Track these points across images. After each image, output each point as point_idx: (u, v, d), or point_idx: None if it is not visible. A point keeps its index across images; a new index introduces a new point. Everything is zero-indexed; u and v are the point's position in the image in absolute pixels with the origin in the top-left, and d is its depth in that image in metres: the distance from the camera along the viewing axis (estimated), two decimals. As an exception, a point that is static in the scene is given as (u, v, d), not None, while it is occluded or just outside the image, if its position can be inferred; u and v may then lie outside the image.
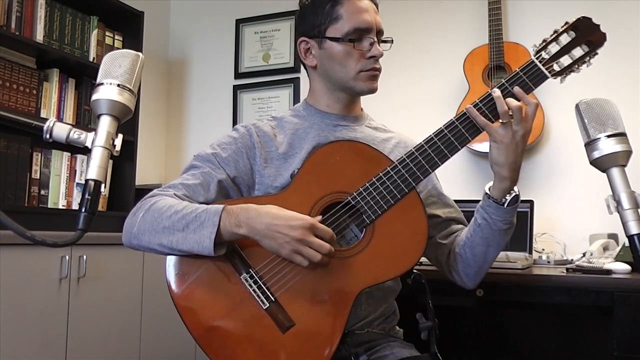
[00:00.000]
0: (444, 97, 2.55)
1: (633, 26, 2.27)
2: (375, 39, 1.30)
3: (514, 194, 1.21)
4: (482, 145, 2.33)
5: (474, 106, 1.17)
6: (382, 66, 1.32)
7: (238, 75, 3.08)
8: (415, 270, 1.26)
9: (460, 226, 1.37)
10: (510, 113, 1.13)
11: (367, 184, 1.17)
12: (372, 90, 1.33)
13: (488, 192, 1.23)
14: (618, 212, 0.99)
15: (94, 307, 2.16)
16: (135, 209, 1.20)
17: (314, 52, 1.34)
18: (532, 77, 1.17)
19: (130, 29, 2.77)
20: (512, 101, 1.14)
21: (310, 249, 1.08)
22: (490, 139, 1.17)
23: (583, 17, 1.19)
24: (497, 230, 1.22)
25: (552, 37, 1.19)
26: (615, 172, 1.02)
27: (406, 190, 1.16)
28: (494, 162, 1.18)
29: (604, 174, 1.03)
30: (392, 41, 1.35)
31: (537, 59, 1.18)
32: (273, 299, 1.12)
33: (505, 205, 1.20)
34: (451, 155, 1.18)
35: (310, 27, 1.33)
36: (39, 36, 2.40)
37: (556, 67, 1.18)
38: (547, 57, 1.18)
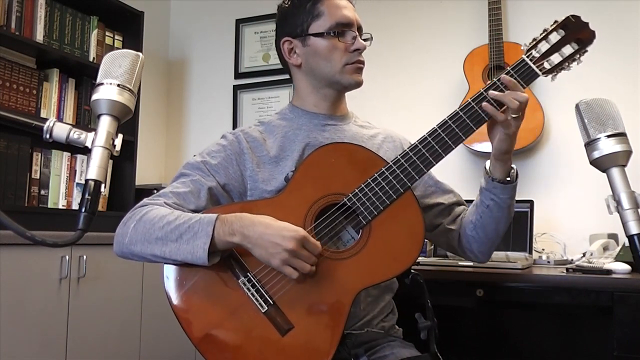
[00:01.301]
0: (444, 97, 2.55)
1: (633, 26, 2.27)
2: (357, 34, 1.33)
3: (514, 169, 1.29)
4: (481, 145, 2.33)
5: (469, 105, 1.19)
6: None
7: (238, 75, 3.08)
8: (413, 270, 1.26)
9: (462, 207, 1.43)
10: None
11: (363, 185, 1.17)
12: (359, 83, 1.35)
13: (492, 176, 1.27)
14: (618, 212, 1.00)
15: (94, 307, 2.16)
16: (126, 219, 1.20)
17: (297, 51, 1.35)
18: (523, 75, 1.19)
19: (130, 29, 2.77)
20: (518, 95, 1.17)
21: (301, 260, 1.09)
22: (504, 132, 1.20)
23: (572, 15, 1.21)
24: (506, 207, 1.29)
25: (541, 36, 1.21)
26: (615, 172, 1.02)
27: (401, 190, 1.17)
28: (505, 151, 1.23)
29: (604, 174, 1.03)
30: (371, 38, 1.37)
31: (527, 57, 1.20)
32: (271, 302, 1.12)
33: (513, 181, 1.28)
34: (445, 154, 1.19)
35: (292, 26, 1.35)
36: (39, 36, 2.40)
37: (547, 65, 1.20)
38: (537, 55, 1.20)
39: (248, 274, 1.14)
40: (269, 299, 1.12)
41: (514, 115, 1.18)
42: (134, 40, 2.74)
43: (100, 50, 2.64)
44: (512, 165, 1.29)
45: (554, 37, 1.20)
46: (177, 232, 1.12)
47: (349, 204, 1.17)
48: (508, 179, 1.28)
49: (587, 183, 2.24)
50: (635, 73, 2.25)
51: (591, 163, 1.05)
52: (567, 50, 1.20)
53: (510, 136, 1.21)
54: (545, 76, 1.20)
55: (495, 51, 2.34)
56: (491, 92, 1.18)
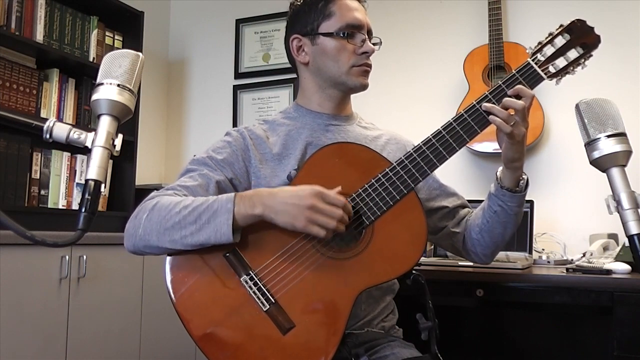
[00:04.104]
0: (444, 97, 2.55)
1: (633, 26, 2.28)
2: (366, 37, 1.33)
3: (524, 179, 1.29)
4: (482, 145, 2.33)
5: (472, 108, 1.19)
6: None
7: (238, 75, 3.08)
8: (414, 271, 1.27)
9: (466, 210, 1.43)
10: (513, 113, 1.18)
11: (366, 186, 1.17)
12: (364, 86, 1.35)
13: (501, 183, 1.28)
14: (618, 212, 1.00)
15: (94, 307, 2.17)
16: (137, 212, 1.18)
17: (306, 49, 1.35)
18: (528, 78, 1.19)
19: (130, 29, 2.77)
20: (514, 102, 1.17)
21: (324, 215, 1.09)
22: (508, 142, 1.20)
23: (577, 19, 1.20)
24: (513, 214, 1.29)
25: (547, 40, 1.21)
26: (615, 172, 1.02)
27: (405, 191, 1.17)
28: (513, 159, 1.24)
29: (604, 174, 1.03)
30: (380, 42, 1.38)
31: (532, 60, 1.20)
32: (273, 301, 1.12)
33: (521, 191, 1.28)
34: (449, 157, 1.19)
35: (302, 24, 1.35)
36: (39, 36, 2.40)
37: (552, 69, 1.20)
38: (542, 59, 1.20)
39: (250, 272, 1.14)
40: (270, 298, 1.12)
41: (511, 123, 1.17)
42: (134, 40, 2.74)
43: (100, 50, 2.64)
44: (524, 175, 1.29)
45: (560, 41, 1.20)
46: (195, 213, 1.11)
47: (352, 204, 1.17)
48: (517, 188, 1.28)
49: (587, 183, 2.24)
50: (635, 73, 2.25)
51: (591, 163, 1.05)
52: (572, 54, 1.20)
53: (515, 144, 1.21)
54: (550, 80, 1.20)
55: (495, 51, 2.34)
56: (484, 104, 1.18)
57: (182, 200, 1.15)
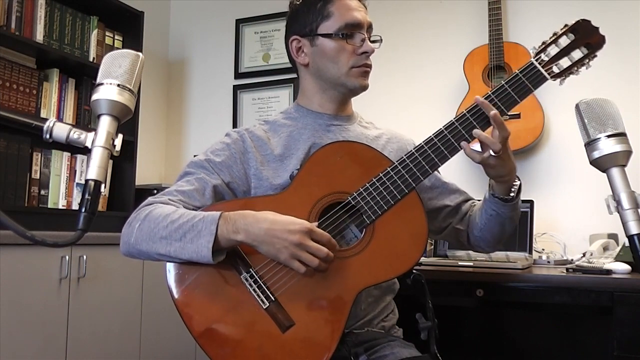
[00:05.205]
0: (444, 97, 2.55)
1: (633, 26, 2.27)
2: (366, 36, 1.32)
3: (517, 185, 1.28)
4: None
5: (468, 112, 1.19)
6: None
7: (238, 75, 3.08)
8: (414, 271, 1.27)
9: (468, 204, 1.44)
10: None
11: (367, 184, 1.17)
12: (364, 87, 1.34)
13: (493, 192, 1.28)
14: (618, 212, 0.99)
15: (94, 307, 2.16)
16: (131, 219, 1.20)
17: (305, 50, 1.35)
18: (531, 78, 1.18)
19: (130, 29, 2.77)
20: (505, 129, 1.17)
21: (308, 253, 1.09)
22: (498, 160, 1.19)
23: (582, 19, 1.19)
24: (508, 217, 1.31)
25: (551, 40, 1.20)
26: (615, 172, 1.02)
27: (406, 190, 1.17)
28: (496, 176, 1.24)
29: (604, 174, 1.03)
30: (381, 40, 1.37)
31: (536, 60, 1.19)
32: (273, 299, 1.12)
33: (514, 199, 1.28)
34: (451, 156, 1.19)
35: (302, 25, 1.34)
36: (39, 36, 2.40)
37: (555, 69, 1.19)
38: (546, 59, 1.19)
39: (250, 269, 1.14)
40: (270, 295, 1.13)
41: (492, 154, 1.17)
42: (134, 40, 2.74)
43: (100, 50, 2.64)
44: (516, 182, 1.28)
45: (564, 41, 1.19)
46: (181, 231, 1.12)
47: (353, 203, 1.17)
48: (512, 194, 1.28)
49: (587, 183, 2.24)
50: (635, 73, 2.25)
51: (591, 163, 1.05)
52: (577, 54, 1.19)
53: (493, 167, 1.21)
54: (554, 80, 1.19)
55: (495, 51, 2.34)
56: (475, 131, 1.17)
57: (171, 213, 1.15)
